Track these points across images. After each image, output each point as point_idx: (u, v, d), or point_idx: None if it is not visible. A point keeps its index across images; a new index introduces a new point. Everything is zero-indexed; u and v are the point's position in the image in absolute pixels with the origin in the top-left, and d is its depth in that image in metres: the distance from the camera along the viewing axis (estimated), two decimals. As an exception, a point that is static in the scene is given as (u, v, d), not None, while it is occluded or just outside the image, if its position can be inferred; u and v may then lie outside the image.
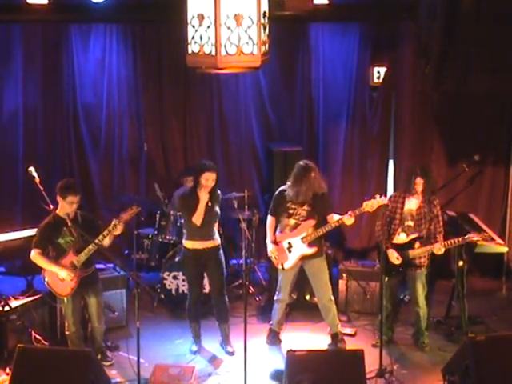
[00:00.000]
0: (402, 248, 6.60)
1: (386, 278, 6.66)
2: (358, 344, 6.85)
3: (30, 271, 7.51)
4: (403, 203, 6.66)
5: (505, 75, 7.79)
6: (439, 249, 6.47)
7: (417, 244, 6.57)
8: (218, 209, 6.69)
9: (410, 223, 6.61)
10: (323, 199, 6.64)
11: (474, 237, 6.58)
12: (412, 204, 6.63)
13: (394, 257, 6.57)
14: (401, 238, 6.65)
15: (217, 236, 6.73)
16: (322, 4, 7.79)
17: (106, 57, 8.89)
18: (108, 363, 6.50)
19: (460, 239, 6.49)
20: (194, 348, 6.82)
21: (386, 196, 6.58)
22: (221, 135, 9.17)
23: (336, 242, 9.07)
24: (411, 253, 6.56)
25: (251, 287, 8.09)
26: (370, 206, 6.35)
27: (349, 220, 6.46)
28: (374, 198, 6.36)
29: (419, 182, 6.53)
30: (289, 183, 6.66)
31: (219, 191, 6.73)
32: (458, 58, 7.51)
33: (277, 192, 6.77)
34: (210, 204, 6.54)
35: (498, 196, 8.67)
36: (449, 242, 6.49)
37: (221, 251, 6.74)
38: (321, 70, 9.01)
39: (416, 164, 7.10)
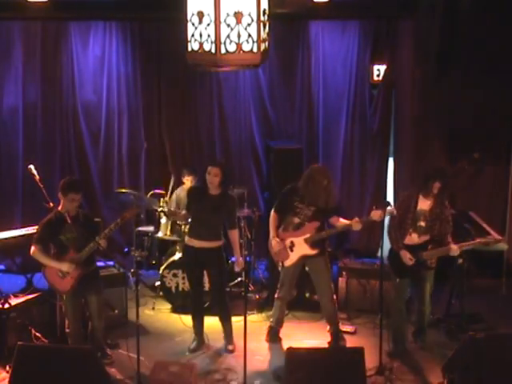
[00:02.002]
0: (414, 249, 6.46)
1: (398, 279, 6.58)
2: (358, 342, 6.85)
3: (30, 269, 7.53)
4: (416, 202, 6.49)
5: (504, 74, 7.82)
6: (456, 250, 6.36)
7: (430, 245, 6.45)
8: (233, 213, 6.67)
9: (422, 223, 6.45)
10: (330, 203, 6.62)
11: (492, 238, 6.62)
12: (425, 204, 6.47)
13: (407, 258, 6.42)
14: (412, 238, 6.50)
15: (219, 238, 6.66)
16: (321, 2, 7.79)
17: (105, 54, 8.90)
18: (108, 361, 6.50)
19: (477, 240, 6.45)
20: (194, 345, 6.82)
21: (386, 198, 6.53)
22: (220, 133, 9.18)
23: (336, 240, 9.09)
24: (425, 254, 6.43)
25: (251, 285, 8.10)
26: (378, 215, 6.26)
27: (356, 226, 6.44)
28: (383, 208, 6.25)
29: (437, 186, 6.36)
30: (300, 183, 6.62)
31: (231, 193, 6.72)
32: (457, 57, 7.54)
33: (284, 190, 6.73)
34: (214, 203, 6.53)
35: (498, 194, 8.66)
36: (465, 244, 6.40)
37: (221, 252, 6.69)
38: (320, 67, 9.01)
39: (434, 167, 6.99)
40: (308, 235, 6.60)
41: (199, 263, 6.71)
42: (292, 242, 6.65)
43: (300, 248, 6.63)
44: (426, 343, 6.79)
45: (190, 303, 6.96)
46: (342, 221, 6.57)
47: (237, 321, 6.84)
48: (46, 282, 6.34)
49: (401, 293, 6.66)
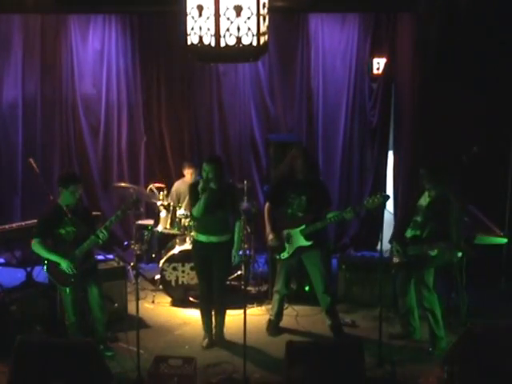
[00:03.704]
0: (407, 243, 6.46)
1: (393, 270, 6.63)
2: (358, 334, 6.86)
3: (30, 262, 7.53)
4: (419, 197, 6.50)
5: (503, 73, 7.82)
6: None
7: (418, 242, 6.39)
8: (236, 201, 6.67)
9: (418, 219, 6.43)
10: (320, 191, 6.66)
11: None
12: (424, 200, 6.46)
13: (395, 249, 6.53)
14: (408, 232, 6.50)
15: (227, 231, 6.64)
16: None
17: (105, 48, 8.89)
18: (109, 353, 6.51)
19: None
20: (206, 343, 6.72)
21: (386, 191, 6.54)
22: (220, 126, 9.17)
23: (335, 232, 9.09)
24: (411, 249, 6.40)
25: (250, 278, 8.10)
26: (370, 203, 6.32)
27: (348, 215, 6.46)
28: (376, 196, 6.31)
29: (421, 174, 6.39)
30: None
31: (230, 182, 6.69)
32: (457, 53, 7.54)
33: (276, 180, 6.78)
34: (217, 197, 6.49)
35: (498, 187, 8.65)
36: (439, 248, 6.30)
37: (230, 247, 6.66)
38: (320, 61, 9.00)
39: (426, 157, 7.01)
40: (303, 226, 6.61)
41: (205, 257, 6.67)
42: (289, 234, 6.68)
43: (296, 240, 6.66)
44: (436, 351, 6.50)
45: (199, 298, 6.94)
46: (335, 212, 6.62)
47: (236, 314, 6.85)
48: (47, 275, 6.34)
49: (399, 282, 6.70)
